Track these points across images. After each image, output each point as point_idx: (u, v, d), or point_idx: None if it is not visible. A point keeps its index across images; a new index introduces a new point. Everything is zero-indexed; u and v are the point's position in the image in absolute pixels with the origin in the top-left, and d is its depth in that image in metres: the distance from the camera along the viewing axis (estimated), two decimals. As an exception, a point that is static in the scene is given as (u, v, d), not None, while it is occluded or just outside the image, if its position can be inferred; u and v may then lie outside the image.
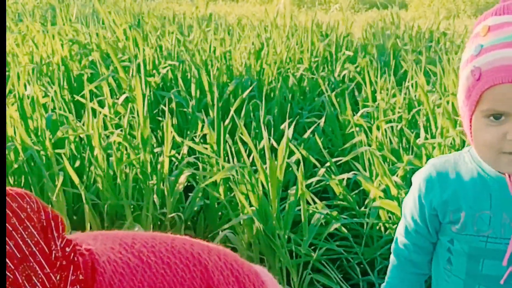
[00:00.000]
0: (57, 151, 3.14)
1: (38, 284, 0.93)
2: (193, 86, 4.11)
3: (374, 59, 5.13)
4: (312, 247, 2.81)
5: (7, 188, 0.95)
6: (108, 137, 3.42)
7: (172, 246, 1.18)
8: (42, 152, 3.13)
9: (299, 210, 2.78)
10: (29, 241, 0.93)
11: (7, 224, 0.91)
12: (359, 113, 3.76)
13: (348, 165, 3.37)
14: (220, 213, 3.10)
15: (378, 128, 3.38)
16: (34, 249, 0.93)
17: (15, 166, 3.06)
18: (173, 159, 3.38)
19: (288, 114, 3.76)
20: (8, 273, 0.89)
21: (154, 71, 4.63)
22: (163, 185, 3.09)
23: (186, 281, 1.14)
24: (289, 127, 3.20)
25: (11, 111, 3.29)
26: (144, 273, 1.10)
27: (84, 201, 2.93)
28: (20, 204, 0.94)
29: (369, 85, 4.18)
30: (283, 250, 2.72)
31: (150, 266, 1.12)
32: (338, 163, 3.33)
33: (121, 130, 3.45)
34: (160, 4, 9.95)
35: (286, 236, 2.74)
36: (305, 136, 3.68)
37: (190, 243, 1.23)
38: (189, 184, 3.24)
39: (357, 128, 3.58)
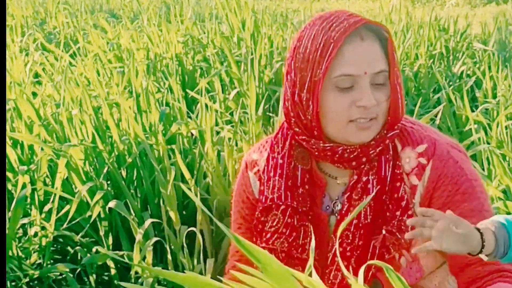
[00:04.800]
0: (169, 146, 3.17)
1: None
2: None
3: (494, 54, 4.89)
4: None
5: None
6: (218, 133, 3.42)
7: None
8: (155, 147, 3.16)
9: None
10: None
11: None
12: (478, 110, 3.58)
13: (465, 163, 3.22)
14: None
15: (498, 125, 3.21)
16: None
17: (129, 160, 3.10)
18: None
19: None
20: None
21: (267, 66, 4.61)
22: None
23: None
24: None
25: (126, 106, 3.35)
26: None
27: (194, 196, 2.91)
28: None
29: (489, 81, 3.98)
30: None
31: None
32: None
33: (232, 126, 3.45)
34: (272, 2, 10.01)
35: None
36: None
37: None
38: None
39: (476, 126, 3.41)
